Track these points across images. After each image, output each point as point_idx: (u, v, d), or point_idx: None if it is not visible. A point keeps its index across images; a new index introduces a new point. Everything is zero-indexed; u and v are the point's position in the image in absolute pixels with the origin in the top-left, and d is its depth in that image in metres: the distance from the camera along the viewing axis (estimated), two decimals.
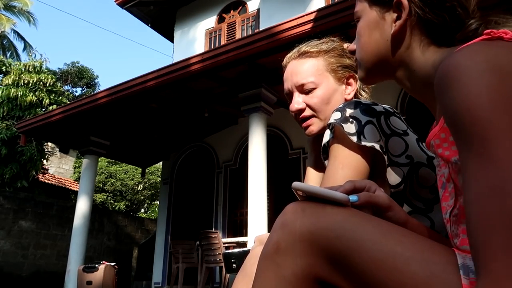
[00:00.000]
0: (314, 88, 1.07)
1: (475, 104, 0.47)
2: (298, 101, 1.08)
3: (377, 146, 0.86)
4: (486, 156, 0.45)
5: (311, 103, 1.07)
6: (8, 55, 16.66)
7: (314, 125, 1.08)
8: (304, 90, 1.08)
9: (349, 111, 0.89)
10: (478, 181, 0.46)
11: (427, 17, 0.65)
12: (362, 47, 0.74)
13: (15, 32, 17.10)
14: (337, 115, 0.90)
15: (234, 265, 3.73)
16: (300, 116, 1.08)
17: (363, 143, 0.86)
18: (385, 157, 0.89)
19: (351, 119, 0.88)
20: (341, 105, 0.93)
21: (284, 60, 1.15)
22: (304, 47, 1.11)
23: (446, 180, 0.66)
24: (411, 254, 0.52)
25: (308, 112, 1.07)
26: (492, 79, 0.47)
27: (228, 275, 5.23)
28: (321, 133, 1.07)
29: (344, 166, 0.87)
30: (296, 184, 0.60)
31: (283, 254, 0.58)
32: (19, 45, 19.17)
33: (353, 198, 0.61)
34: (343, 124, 0.88)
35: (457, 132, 0.50)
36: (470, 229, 0.46)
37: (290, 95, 1.12)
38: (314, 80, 1.07)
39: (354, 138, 0.86)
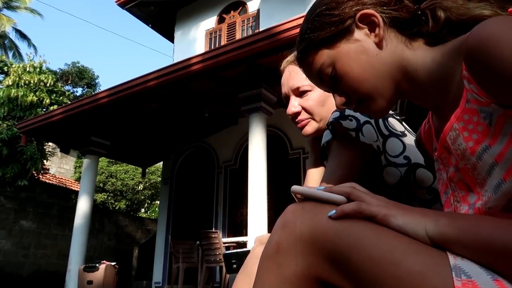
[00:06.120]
0: (309, 91, 1.10)
1: None
2: (294, 105, 1.11)
3: (374, 146, 0.88)
4: None
5: (306, 106, 1.10)
6: (10, 55, 16.66)
7: (309, 126, 1.11)
8: (299, 93, 1.11)
9: (348, 111, 0.91)
10: None
11: (391, 15, 0.67)
12: (362, 80, 0.67)
13: (17, 31, 17.11)
14: (336, 114, 0.92)
15: (234, 265, 3.73)
16: (297, 119, 1.12)
17: (362, 140, 0.88)
18: (382, 157, 0.90)
19: (349, 117, 0.90)
20: None
21: (282, 64, 1.19)
22: None
23: (445, 185, 0.66)
24: (407, 247, 0.52)
25: (304, 115, 1.11)
26: None
27: (228, 275, 5.24)
28: (317, 134, 1.10)
29: (342, 167, 0.89)
30: (294, 187, 0.62)
31: (283, 254, 0.58)
32: (22, 45, 19.15)
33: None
34: (341, 121, 0.90)
35: None
36: None
37: (287, 98, 1.15)
38: (309, 83, 1.09)
39: (353, 134, 0.88)
